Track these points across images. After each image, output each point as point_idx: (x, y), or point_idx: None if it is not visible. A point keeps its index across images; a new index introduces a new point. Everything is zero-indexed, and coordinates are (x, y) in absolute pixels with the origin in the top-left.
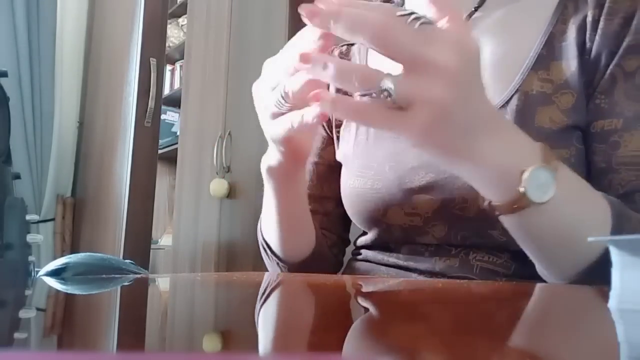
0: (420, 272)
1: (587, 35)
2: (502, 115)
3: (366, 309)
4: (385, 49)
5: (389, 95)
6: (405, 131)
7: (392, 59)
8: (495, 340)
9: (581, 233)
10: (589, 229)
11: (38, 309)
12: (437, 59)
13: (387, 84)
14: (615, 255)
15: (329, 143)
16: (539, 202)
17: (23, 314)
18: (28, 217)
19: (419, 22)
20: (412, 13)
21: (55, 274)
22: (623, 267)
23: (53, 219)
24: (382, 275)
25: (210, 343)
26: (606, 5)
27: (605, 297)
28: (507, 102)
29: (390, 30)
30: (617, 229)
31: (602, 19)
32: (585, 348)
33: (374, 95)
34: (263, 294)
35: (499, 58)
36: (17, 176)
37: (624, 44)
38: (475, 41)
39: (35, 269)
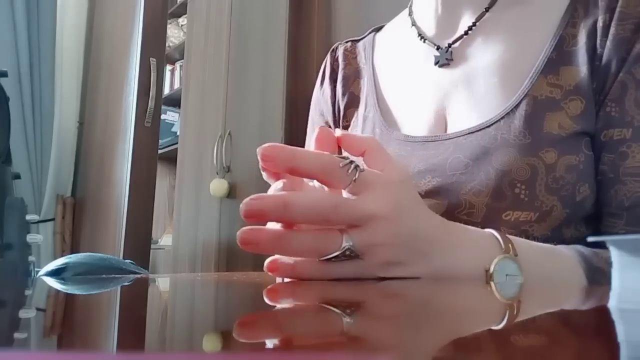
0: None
1: (598, 41)
2: (445, 221)
3: (366, 308)
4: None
5: (351, 252)
6: (368, 275)
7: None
8: (494, 341)
9: (562, 281)
10: (565, 282)
11: (38, 309)
12: (375, 211)
13: (347, 243)
14: (615, 255)
15: None
16: (511, 295)
17: (23, 314)
18: (28, 217)
19: (352, 171)
20: (346, 159)
21: (55, 274)
22: (623, 267)
23: (53, 219)
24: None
25: (210, 343)
26: (617, 9)
27: (605, 296)
28: (516, 106)
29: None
30: (591, 281)
31: (613, 24)
32: (585, 348)
33: (336, 254)
34: (263, 294)
35: (508, 61)
36: (17, 176)
37: (636, 51)
38: (400, 171)
39: (35, 269)
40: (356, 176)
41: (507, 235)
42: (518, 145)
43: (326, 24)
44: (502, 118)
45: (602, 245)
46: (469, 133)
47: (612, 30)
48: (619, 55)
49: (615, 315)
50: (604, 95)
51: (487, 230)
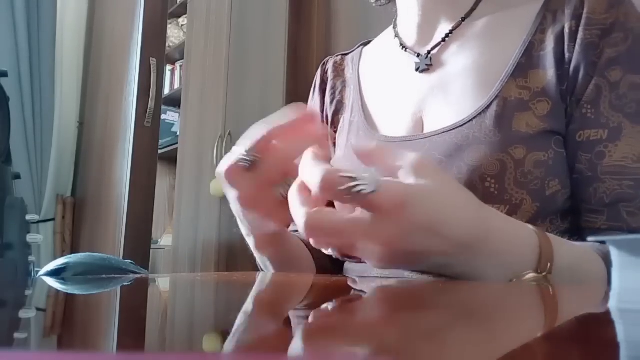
0: (415, 271)
1: (566, 46)
2: (480, 227)
3: (367, 308)
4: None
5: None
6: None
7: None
8: (492, 341)
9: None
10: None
11: (38, 309)
12: (383, 240)
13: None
14: (615, 255)
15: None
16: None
17: (23, 314)
18: (28, 217)
19: (358, 191)
20: (352, 178)
21: (55, 274)
22: (623, 267)
23: (53, 219)
24: (376, 275)
25: (210, 343)
26: (584, 16)
27: (605, 297)
28: (487, 107)
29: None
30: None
31: (580, 29)
32: (585, 348)
33: None
34: (257, 294)
35: (482, 65)
36: (17, 176)
37: (606, 56)
38: (414, 195)
39: (35, 269)
40: (359, 197)
41: (552, 241)
42: (488, 143)
43: (326, 24)
44: (474, 118)
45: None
46: (443, 132)
47: (580, 35)
48: (587, 59)
49: (615, 316)
50: (577, 97)
51: (532, 235)
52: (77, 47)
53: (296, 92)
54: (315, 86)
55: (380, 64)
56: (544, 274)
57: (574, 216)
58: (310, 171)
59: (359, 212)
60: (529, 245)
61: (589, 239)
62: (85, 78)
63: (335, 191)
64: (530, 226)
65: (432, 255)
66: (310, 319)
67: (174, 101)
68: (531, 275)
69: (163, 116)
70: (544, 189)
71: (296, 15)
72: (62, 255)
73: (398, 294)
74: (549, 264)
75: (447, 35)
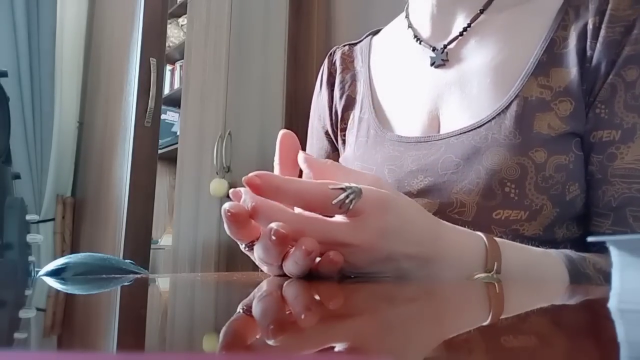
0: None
1: (588, 43)
2: (434, 238)
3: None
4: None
5: None
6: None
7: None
8: (490, 341)
9: (545, 279)
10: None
11: (38, 309)
12: (355, 241)
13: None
14: (615, 255)
15: (333, 154)
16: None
17: (23, 314)
18: (28, 217)
19: (347, 203)
20: (343, 189)
21: (55, 274)
22: (623, 267)
23: (53, 219)
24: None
25: (210, 343)
26: (607, 12)
27: (605, 297)
28: (507, 107)
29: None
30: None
31: (603, 26)
32: (584, 348)
33: None
34: (259, 294)
35: (500, 62)
36: (17, 176)
37: (624, 54)
38: (390, 203)
39: (35, 269)
40: (351, 207)
41: (498, 243)
42: (508, 145)
43: (326, 24)
44: (493, 118)
45: (602, 245)
46: (460, 133)
47: (602, 32)
48: (608, 57)
49: (615, 316)
50: (594, 96)
51: (479, 238)
52: (77, 47)
53: (296, 92)
54: (322, 80)
55: (392, 57)
56: (492, 273)
57: (586, 221)
58: (302, 188)
59: (339, 216)
60: (475, 247)
61: (589, 239)
62: (85, 78)
63: (329, 205)
64: (478, 233)
65: (400, 258)
66: (306, 319)
67: (174, 101)
68: (482, 274)
69: (163, 116)
70: (565, 194)
71: (296, 14)
72: (62, 255)
73: (388, 293)
74: (496, 263)
75: (464, 29)
